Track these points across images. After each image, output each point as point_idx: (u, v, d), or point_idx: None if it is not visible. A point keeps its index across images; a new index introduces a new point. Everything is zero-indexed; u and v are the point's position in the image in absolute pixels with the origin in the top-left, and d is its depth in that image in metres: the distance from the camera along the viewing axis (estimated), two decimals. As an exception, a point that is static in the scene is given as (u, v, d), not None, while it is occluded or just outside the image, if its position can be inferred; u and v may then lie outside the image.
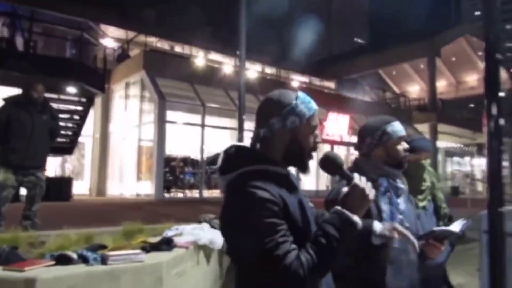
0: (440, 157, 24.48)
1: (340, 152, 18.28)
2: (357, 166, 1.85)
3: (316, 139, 1.30)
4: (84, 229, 3.67)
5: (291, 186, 1.26)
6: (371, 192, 1.20)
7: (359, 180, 1.21)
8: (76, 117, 10.54)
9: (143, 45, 15.23)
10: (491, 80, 1.93)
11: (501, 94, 2.03)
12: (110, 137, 14.93)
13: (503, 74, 28.23)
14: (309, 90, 20.71)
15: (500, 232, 1.87)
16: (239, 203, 1.16)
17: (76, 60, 11.10)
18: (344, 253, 1.61)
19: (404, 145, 1.84)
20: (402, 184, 1.83)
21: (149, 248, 2.85)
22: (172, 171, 13.16)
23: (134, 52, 15.42)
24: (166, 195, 12.59)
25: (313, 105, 1.31)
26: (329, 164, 1.27)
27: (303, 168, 1.29)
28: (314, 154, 1.32)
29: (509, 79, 28.82)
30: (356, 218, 1.16)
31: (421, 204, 2.40)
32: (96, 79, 10.86)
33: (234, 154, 1.27)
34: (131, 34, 16.51)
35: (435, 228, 1.89)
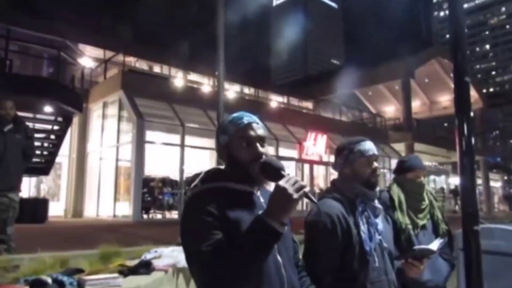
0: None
1: (319, 171, 18.44)
2: (334, 186, 1.86)
3: (255, 149, 1.34)
4: (60, 252, 3.57)
5: (248, 204, 1.33)
6: (295, 193, 1.13)
7: (286, 180, 1.16)
8: (53, 136, 10.33)
9: (121, 64, 15.15)
10: (461, 100, 1.99)
11: (471, 114, 2.08)
12: (88, 157, 14.66)
13: (473, 93, 29.28)
14: (287, 110, 20.95)
15: (476, 250, 1.89)
16: (183, 214, 1.31)
17: (53, 79, 10.94)
18: (324, 272, 1.65)
19: (373, 165, 1.82)
20: (379, 204, 1.84)
21: (127, 271, 2.79)
22: (150, 192, 12.96)
23: (112, 71, 15.33)
24: (145, 216, 12.36)
25: (244, 120, 1.39)
26: (268, 169, 1.27)
27: (250, 180, 1.35)
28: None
29: (480, 99, 29.86)
30: (274, 224, 1.13)
31: (421, 222, 2.36)
32: (73, 98, 10.71)
33: (210, 174, 1.39)
34: (109, 53, 16.43)
35: (415, 247, 1.91)
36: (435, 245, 1.86)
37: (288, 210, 1.15)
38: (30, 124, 6.58)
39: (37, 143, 7.29)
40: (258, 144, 1.36)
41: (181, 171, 12.92)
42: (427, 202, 2.43)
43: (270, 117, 15.41)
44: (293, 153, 16.62)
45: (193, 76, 20.45)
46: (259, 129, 1.40)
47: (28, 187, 13.62)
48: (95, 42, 17.18)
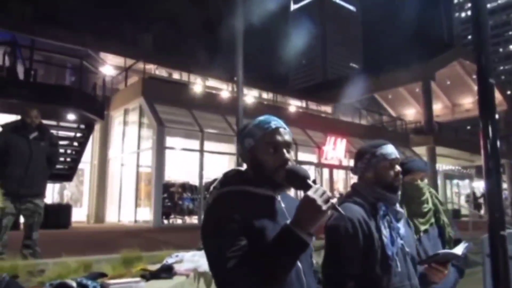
0: (439, 180, 24.43)
1: (339, 176, 18.28)
2: (355, 191, 1.85)
3: (281, 156, 1.32)
4: (83, 257, 3.64)
5: (270, 209, 1.30)
6: (324, 204, 1.13)
7: (315, 191, 1.15)
8: (76, 143, 10.55)
9: (142, 72, 15.41)
10: (485, 103, 1.95)
11: (496, 116, 2.03)
12: (109, 164, 14.90)
13: (497, 95, 28.57)
14: (306, 114, 20.88)
15: (503, 256, 1.84)
16: (205, 218, 1.29)
17: (75, 87, 11.20)
18: (346, 277, 1.63)
19: (396, 168, 1.80)
20: (401, 208, 1.82)
21: (149, 276, 2.82)
22: (170, 197, 13.08)
23: (133, 79, 15.60)
24: (165, 221, 12.47)
25: (272, 124, 1.37)
26: (293, 177, 1.26)
27: (274, 185, 1.32)
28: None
29: (504, 101, 29.14)
30: (302, 234, 1.12)
31: (422, 227, 2.30)
32: (95, 106, 10.93)
33: (230, 176, 1.37)
34: (129, 61, 16.73)
35: (439, 251, 1.87)
36: (459, 249, 1.82)
37: (316, 221, 1.15)
38: (53, 132, 6.73)
39: (60, 150, 7.45)
40: (284, 150, 1.34)
41: (201, 176, 13.01)
42: (430, 205, 2.34)
43: (288, 122, 15.01)
44: (313, 158, 16.53)
45: (212, 82, 20.61)
46: (286, 134, 1.38)
47: (51, 193, 13.92)
48: (116, 51, 17.52)
